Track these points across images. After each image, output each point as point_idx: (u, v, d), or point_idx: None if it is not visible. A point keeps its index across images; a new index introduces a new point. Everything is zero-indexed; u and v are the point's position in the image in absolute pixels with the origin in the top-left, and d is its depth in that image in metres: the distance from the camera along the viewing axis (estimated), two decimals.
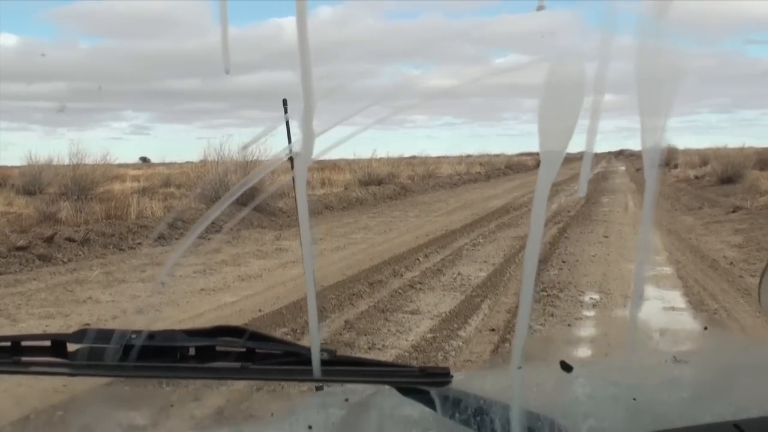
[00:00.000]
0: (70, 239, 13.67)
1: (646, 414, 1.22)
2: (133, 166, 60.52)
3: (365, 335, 7.63)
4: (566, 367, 1.32)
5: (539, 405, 1.20)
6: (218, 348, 1.30)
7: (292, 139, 1.14)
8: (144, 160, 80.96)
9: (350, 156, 36.60)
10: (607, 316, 8.42)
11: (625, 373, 1.35)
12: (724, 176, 27.42)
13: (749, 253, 12.32)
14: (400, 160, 41.00)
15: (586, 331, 7.83)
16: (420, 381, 1.21)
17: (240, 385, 5.46)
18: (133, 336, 1.25)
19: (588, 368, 1.47)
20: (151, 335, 1.27)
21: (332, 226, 18.38)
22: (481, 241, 15.42)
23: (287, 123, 1.53)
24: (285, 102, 1.94)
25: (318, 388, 1.51)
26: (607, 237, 15.55)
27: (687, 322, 8.11)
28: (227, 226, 15.36)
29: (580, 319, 8.30)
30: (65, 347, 1.30)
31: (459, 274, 11.35)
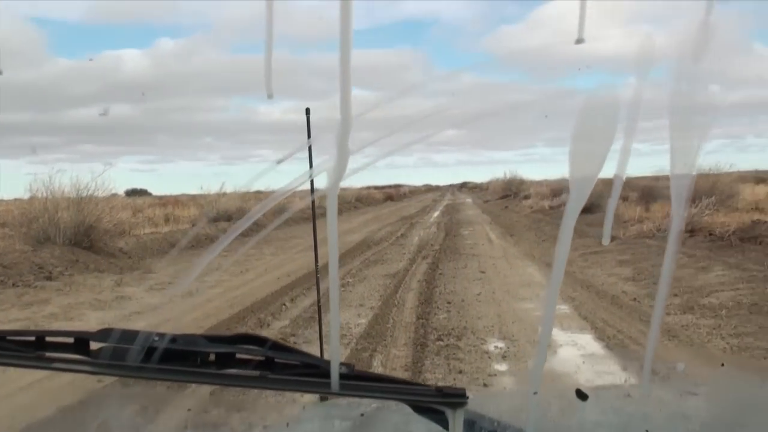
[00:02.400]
0: None
1: None
2: None
3: (238, 411, 5.98)
4: (582, 395, 1.34)
5: (552, 429, 1.34)
6: (238, 355, 1.31)
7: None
8: None
9: (194, 191, 34.82)
10: (524, 369, 7.14)
11: (639, 404, 1.46)
12: (584, 206, 27.15)
13: (648, 287, 11.40)
14: (248, 195, 39.19)
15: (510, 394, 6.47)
16: (436, 400, 1.21)
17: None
18: (156, 338, 1.27)
19: (602, 397, 1.55)
20: (174, 339, 1.28)
21: (180, 268, 16.43)
22: (350, 280, 13.96)
23: (309, 148, 1.49)
24: (308, 111, 2.34)
25: (323, 399, 1.61)
26: (483, 272, 14.48)
27: (614, 371, 6.97)
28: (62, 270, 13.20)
29: (494, 375, 6.97)
30: (88, 345, 1.32)
31: None
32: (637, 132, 1.05)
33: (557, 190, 35.91)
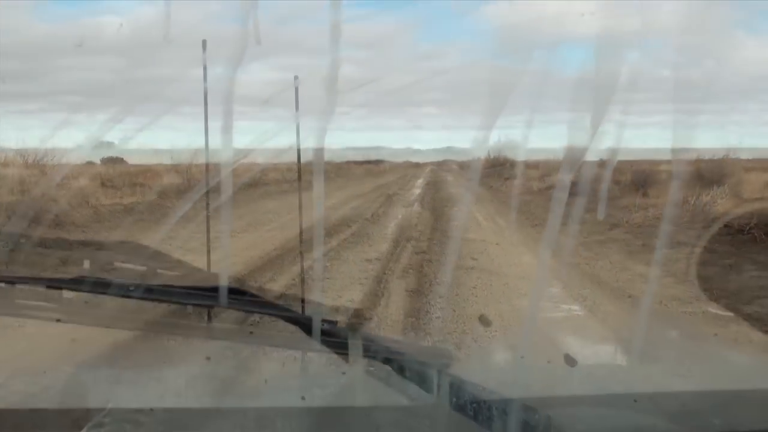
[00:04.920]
0: None
1: (642, 418, 1.29)
2: None
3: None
4: (570, 360, 1.39)
5: (538, 397, 1.28)
6: (217, 307, 1.29)
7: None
8: None
9: (169, 161, 33.40)
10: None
11: (627, 377, 1.49)
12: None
13: (677, 287, 9.94)
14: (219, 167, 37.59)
15: None
16: (421, 360, 1.25)
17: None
18: (131, 288, 1.26)
19: (590, 367, 1.57)
20: (149, 289, 1.27)
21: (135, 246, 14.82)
22: (327, 264, 12.46)
23: (296, 91, 1.60)
24: (296, 77, 2.70)
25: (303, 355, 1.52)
26: (475, 259, 13.01)
27: None
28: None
29: None
30: (60, 293, 1.30)
31: None
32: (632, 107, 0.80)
33: (547, 170, 34.57)
